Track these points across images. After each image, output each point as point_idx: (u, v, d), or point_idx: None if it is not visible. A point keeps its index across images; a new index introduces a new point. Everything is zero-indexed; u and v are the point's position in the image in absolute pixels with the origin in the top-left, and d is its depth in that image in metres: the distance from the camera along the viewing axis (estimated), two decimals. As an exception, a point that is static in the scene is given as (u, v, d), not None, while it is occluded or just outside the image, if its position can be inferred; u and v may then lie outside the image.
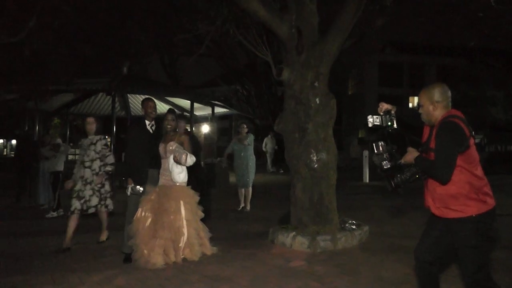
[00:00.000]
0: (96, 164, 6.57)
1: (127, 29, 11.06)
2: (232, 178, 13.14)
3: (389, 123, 3.63)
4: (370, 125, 3.66)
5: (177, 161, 5.68)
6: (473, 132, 3.19)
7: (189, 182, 5.98)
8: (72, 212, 6.37)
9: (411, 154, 3.25)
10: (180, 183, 5.81)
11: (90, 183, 6.48)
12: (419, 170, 3.24)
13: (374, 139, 3.48)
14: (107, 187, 6.70)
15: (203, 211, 6.06)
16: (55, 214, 9.21)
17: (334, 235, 6.32)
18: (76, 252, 6.28)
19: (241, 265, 5.53)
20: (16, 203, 11.29)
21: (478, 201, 3.11)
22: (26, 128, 15.27)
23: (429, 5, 8.12)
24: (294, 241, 6.32)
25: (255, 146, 10.39)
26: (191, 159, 5.74)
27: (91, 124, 6.70)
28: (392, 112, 3.67)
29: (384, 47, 38.74)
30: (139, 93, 15.06)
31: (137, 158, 5.85)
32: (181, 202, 5.73)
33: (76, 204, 6.36)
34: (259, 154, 18.51)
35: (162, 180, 5.87)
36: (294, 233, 6.41)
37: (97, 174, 6.53)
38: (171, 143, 5.78)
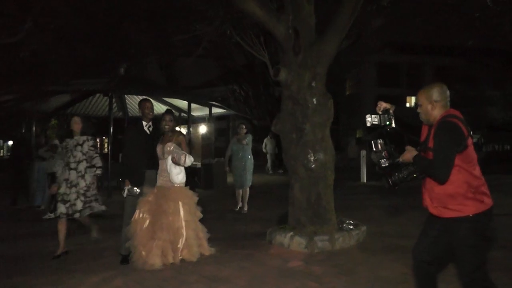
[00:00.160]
0: (82, 166, 6.17)
1: (125, 30, 11.02)
2: (230, 179, 13.14)
3: (388, 122, 3.64)
4: (368, 124, 3.66)
5: (176, 162, 5.67)
6: (471, 132, 3.20)
7: (187, 183, 5.98)
8: (59, 217, 6.08)
9: (410, 153, 3.26)
10: (179, 184, 5.81)
11: (75, 186, 6.08)
12: (417, 169, 3.25)
13: (373, 137, 3.49)
14: (93, 190, 6.26)
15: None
16: (52, 215, 9.18)
17: (332, 235, 6.33)
18: (74, 253, 6.27)
19: (239, 266, 5.53)
20: (13, 205, 11.27)
21: (476, 200, 3.12)
22: (23, 129, 15.23)
23: (426, 6, 8.13)
24: (292, 242, 6.33)
25: (254, 146, 10.37)
26: (189, 160, 5.74)
27: (78, 124, 6.32)
28: (391, 111, 3.68)
29: (382, 47, 38.80)
30: (137, 94, 15.03)
31: (134, 159, 5.83)
32: (180, 203, 5.72)
33: (61, 208, 6.02)
34: (258, 154, 18.47)
35: (160, 181, 5.86)
36: (292, 233, 6.41)
37: (82, 176, 6.13)
38: (169, 144, 5.77)
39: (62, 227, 6.13)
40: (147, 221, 5.68)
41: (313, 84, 6.64)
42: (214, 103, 17.37)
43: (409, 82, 37.48)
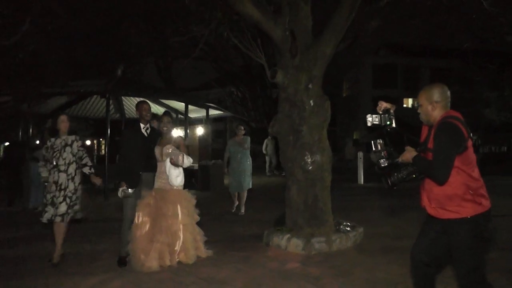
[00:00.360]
0: (72, 168, 5.87)
1: (123, 31, 11.02)
2: (227, 180, 13.13)
3: (388, 122, 3.64)
4: (369, 124, 3.67)
5: (174, 163, 5.67)
6: (471, 134, 3.20)
7: (184, 185, 5.97)
8: (50, 220, 5.78)
9: (409, 153, 3.26)
10: (177, 187, 5.80)
11: (64, 189, 5.77)
12: (416, 169, 3.25)
13: (373, 137, 3.49)
14: (78, 192, 5.94)
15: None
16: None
17: (329, 237, 6.34)
18: (71, 256, 6.25)
19: (236, 268, 5.53)
20: (9, 206, 11.27)
21: (474, 202, 3.12)
22: (20, 131, 15.19)
23: (423, 7, 8.14)
24: (289, 243, 6.33)
25: (252, 148, 10.33)
26: (187, 160, 5.74)
27: (65, 123, 5.96)
28: (391, 111, 3.68)
29: (378, 49, 38.83)
30: (134, 96, 15.04)
31: (131, 161, 5.79)
32: (179, 206, 5.72)
33: (51, 211, 5.75)
34: (256, 155, 18.44)
35: (158, 183, 5.84)
36: (289, 235, 6.41)
37: (72, 179, 5.82)
38: (167, 146, 5.77)
39: (59, 229, 5.84)
40: (147, 225, 5.67)
41: (310, 86, 6.64)
42: (211, 104, 17.38)
43: (405, 83, 37.55)
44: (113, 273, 5.37)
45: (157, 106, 16.31)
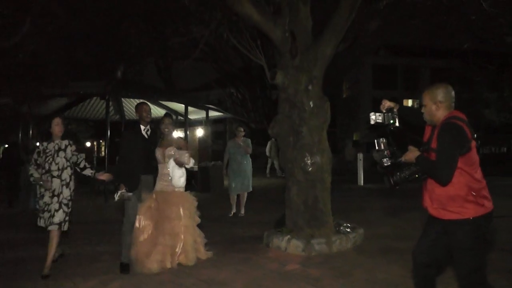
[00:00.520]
0: (67, 173, 5.58)
1: (124, 31, 11.03)
2: (227, 182, 13.12)
3: (392, 121, 3.62)
4: (372, 122, 3.65)
5: (179, 162, 5.65)
6: (475, 135, 3.19)
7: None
8: (41, 227, 5.56)
9: (412, 153, 3.24)
10: (180, 188, 5.79)
11: (57, 196, 5.48)
12: (419, 169, 3.24)
13: (376, 136, 3.47)
14: (71, 201, 5.65)
15: None
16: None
17: (329, 238, 6.33)
18: (70, 257, 6.25)
19: (236, 269, 5.52)
20: (10, 208, 11.29)
21: (476, 204, 3.11)
22: (20, 132, 15.20)
23: (422, 8, 8.14)
24: (289, 245, 6.32)
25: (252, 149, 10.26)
26: (191, 160, 5.75)
27: (59, 126, 5.70)
28: (395, 110, 3.66)
29: (378, 49, 38.85)
30: (134, 97, 15.05)
31: (131, 163, 5.65)
32: (181, 208, 5.71)
33: (46, 218, 5.46)
34: (256, 157, 18.41)
35: (160, 186, 5.80)
36: (289, 236, 6.40)
37: (67, 184, 5.55)
38: (170, 148, 5.75)
39: (55, 238, 5.51)
40: (150, 229, 5.64)
41: (310, 87, 6.64)
42: (211, 106, 17.40)
43: (405, 84, 37.61)
44: (113, 275, 5.37)
45: (157, 107, 16.32)
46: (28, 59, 11.15)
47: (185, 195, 5.87)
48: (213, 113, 17.92)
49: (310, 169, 6.56)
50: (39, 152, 5.64)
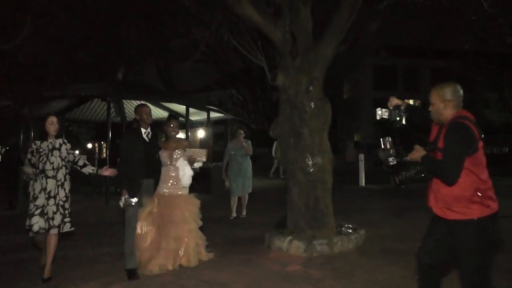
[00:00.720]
0: (62, 173, 5.39)
1: (124, 32, 11.05)
2: (228, 183, 13.11)
3: (398, 118, 3.59)
4: (378, 117, 3.65)
5: (193, 161, 5.75)
6: (482, 135, 3.17)
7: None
8: (37, 233, 5.29)
9: (418, 152, 3.23)
10: (186, 188, 5.83)
11: (54, 197, 5.29)
12: (425, 168, 3.23)
13: (382, 135, 3.46)
14: (69, 199, 5.49)
15: None
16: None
17: (330, 239, 6.32)
18: (72, 259, 6.25)
19: (237, 270, 5.52)
20: (10, 209, 11.31)
21: (481, 205, 3.10)
22: (21, 134, 15.20)
23: (423, 8, 8.14)
24: (290, 246, 6.32)
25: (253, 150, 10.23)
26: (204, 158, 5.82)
27: (53, 125, 5.50)
28: (402, 107, 3.63)
29: (378, 50, 38.84)
30: (134, 99, 15.03)
31: (132, 168, 5.40)
32: (186, 212, 5.70)
33: (40, 222, 5.23)
34: (256, 158, 18.37)
35: (164, 188, 5.75)
36: (290, 237, 6.40)
37: (62, 185, 5.38)
38: (177, 151, 5.75)
39: (53, 242, 5.33)
40: (153, 234, 5.60)
41: (311, 88, 6.64)
42: (212, 107, 17.39)
43: (406, 84, 37.59)
44: (114, 277, 5.36)
45: (157, 109, 16.32)
46: (28, 60, 11.16)
47: (189, 199, 5.86)
48: (214, 115, 17.92)
49: (311, 170, 6.56)
50: (32, 152, 5.46)
